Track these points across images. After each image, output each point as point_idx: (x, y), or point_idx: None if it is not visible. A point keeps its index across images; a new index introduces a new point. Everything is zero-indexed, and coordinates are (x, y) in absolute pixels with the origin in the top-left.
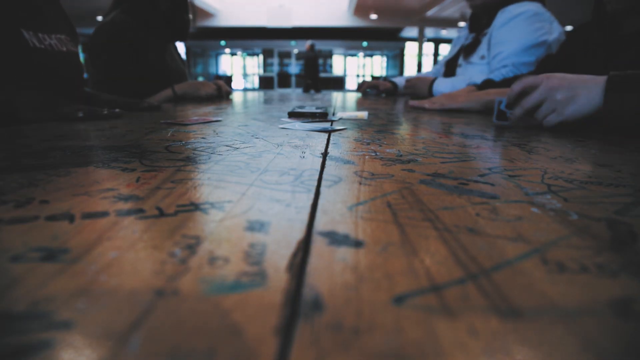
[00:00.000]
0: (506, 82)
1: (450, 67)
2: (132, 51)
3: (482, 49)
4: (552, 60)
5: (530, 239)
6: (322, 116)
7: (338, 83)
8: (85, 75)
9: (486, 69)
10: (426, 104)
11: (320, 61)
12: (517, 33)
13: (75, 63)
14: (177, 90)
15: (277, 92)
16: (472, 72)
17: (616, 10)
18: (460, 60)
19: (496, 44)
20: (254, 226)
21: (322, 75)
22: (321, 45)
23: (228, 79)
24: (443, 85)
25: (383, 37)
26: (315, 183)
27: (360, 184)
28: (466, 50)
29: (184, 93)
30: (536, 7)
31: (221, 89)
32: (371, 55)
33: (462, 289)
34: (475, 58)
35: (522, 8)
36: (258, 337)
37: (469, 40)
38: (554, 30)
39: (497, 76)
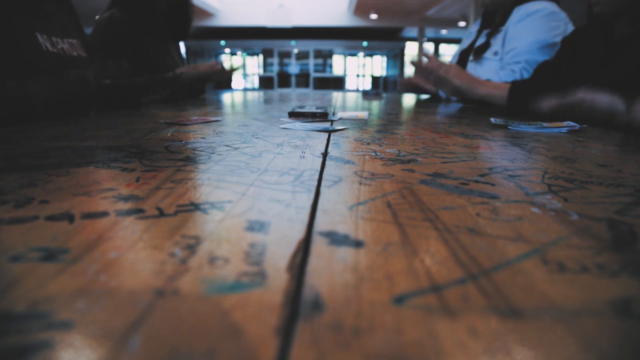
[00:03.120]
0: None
1: (463, 58)
2: (129, 48)
3: (496, 45)
4: (548, 66)
5: (530, 239)
6: (322, 116)
7: (338, 83)
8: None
9: (499, 65)
10: (430, 63)
11: (320, 61)
12: (533, 30)
13: (84, 68)
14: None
15: (277, 92)
16: (485, 68)
17: (603, 13)
18: (471, 59)
19: (511, 40)
20: (254, 226)
21: (322, 75)
22: (321, 45)
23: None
24: None
25: (383, 37)
26: (316, 183)
27: (360, 184)
28: (476, 51)
29: (185, 76)
30: (552, 6)
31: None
32: (371, 55)
33: (462, 289)
34: (488, 54)
35: (539, 6)
36: (258, 337)
37: (481, 39)
38: (568, 33)
39: (508, 73)
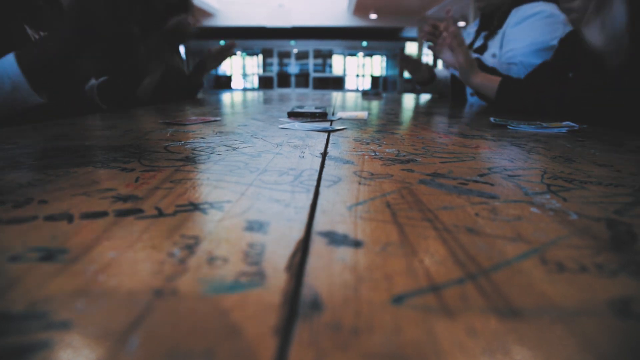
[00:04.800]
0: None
1: None
2: (125, 45)
3: (493, 47)
4: (546, 67)
5: (529, 238)
6: (322, 116)
7: (337, 83)
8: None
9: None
10: (449, 34)
11: (320, 61)
12: (531, 32)
13: (76, 62)
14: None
15: (277, 91)
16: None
17: (576, 21)
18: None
19: (509, 41)
20: (253, 226)
21: (321, 75)
22: (321, 45)
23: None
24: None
25: (383, 37)
26: (315, 183)
27: (359, 183)
28: (474, 53)
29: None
30: (552, 8)
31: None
32: (371, 55)
33: (461, 289)
34: (486, 56)
35: (538, 8)
36: (257, 337)
37: (479, 41)
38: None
39: (504, 69)
